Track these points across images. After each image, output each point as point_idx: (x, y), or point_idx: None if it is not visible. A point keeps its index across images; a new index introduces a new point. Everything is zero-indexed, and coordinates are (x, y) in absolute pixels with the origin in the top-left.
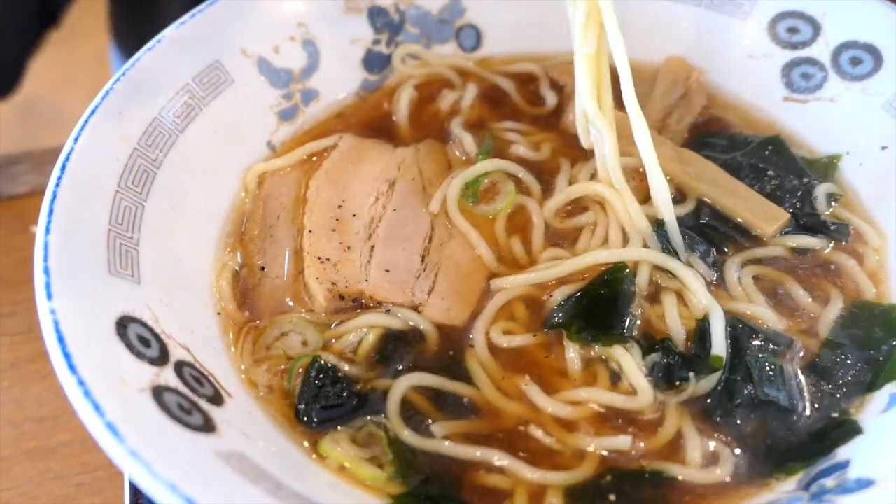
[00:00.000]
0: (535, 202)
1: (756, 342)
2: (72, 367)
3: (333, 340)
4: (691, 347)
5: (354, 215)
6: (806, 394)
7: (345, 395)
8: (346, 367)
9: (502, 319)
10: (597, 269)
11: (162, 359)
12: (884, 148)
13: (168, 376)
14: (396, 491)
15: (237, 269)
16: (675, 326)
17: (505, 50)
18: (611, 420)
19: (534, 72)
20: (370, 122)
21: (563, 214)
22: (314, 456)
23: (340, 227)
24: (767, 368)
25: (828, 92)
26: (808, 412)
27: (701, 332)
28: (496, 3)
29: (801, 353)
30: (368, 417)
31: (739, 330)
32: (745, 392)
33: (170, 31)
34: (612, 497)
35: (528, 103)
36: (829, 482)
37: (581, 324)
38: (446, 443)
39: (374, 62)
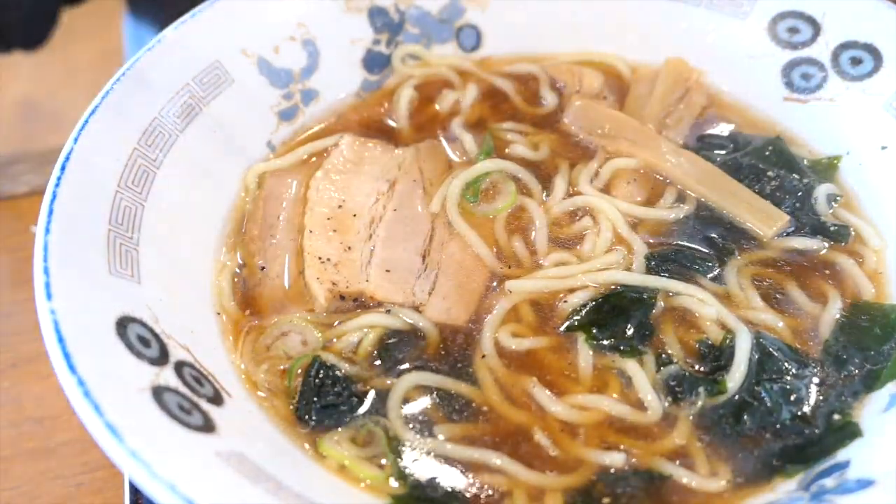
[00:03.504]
0: (535, 203)
1: (773, 364)
2: (72, 367)
3: (334, 340)
4: (704, 365)
5: (355, 215)
6: (812, 406)
7: (345, 394)
8: (346, 367)
9: (509, 321)
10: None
11: (162, 359)
12: (884, 148)
13: (168, 376)
14: (396, 491)
15: (237, 269)
16: (691, 343)
17: (505, 50)
18: (615, 425)
19: (533, 72)
20: (370, 122)
21: (563, 216)
22: (314, 456)
23: (341, 227)
24: (782, 392)
25: (828, 92)
26: (810, 415)
27: (719, 350)
28: (496, 3)
29: (816, 372)
30: (369, 417)
31: (759, 345)
32: (757, 412)
33: (170, 31)
34: (609, 500)
35: (527, 103)
36: (829, 482)
37: (599, 330)
38: (447, 444)
39: (374, 62)
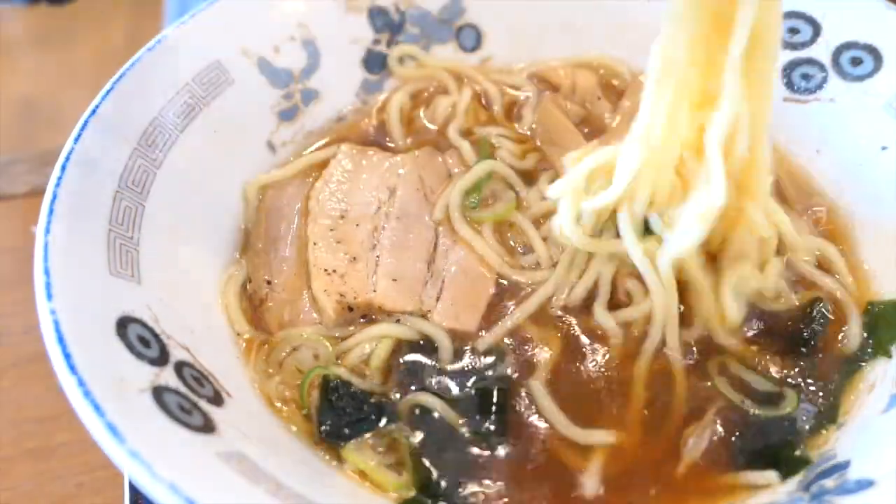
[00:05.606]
0: (524, 208)
1: None
2: (72, 368)
3: (345, 353)
4: None
5: (358, 225)
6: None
7: (360, 407)
8: (358, 380)
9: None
10: None
11: (162, 359)
12: (884, 148)
13: (168, 377)
14: (407, 494)
15: (244, 283)
16: None
17: (505, 50)
18: None
19: (520, 85)
20: (368, 130)
21: (535, 221)
22: (316, 456)
23: (345, 237)
24: None
25: (828, 92)
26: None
27: None
28: (497, 4)
29: None
30: (386, 427)
31: None
32: None
33: (170, 31)
34: None
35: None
36: (829, 483)
37: None
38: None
39: (375, 62)
